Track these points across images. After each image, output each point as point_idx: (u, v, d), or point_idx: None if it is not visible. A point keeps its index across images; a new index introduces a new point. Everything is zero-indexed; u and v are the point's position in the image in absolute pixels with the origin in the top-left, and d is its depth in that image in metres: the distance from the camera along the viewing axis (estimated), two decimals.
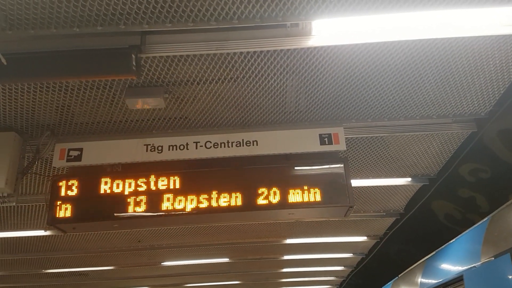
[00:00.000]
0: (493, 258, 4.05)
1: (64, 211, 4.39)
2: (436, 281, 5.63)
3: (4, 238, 7.69)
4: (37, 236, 7.61)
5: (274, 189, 4.41)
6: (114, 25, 3.28)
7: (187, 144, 4.62)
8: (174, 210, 4.40)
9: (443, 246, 5.87)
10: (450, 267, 5.30)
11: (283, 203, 4.39)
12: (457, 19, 3.28)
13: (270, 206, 4.39)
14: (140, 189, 4.46)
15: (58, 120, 4.54)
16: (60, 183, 4.48)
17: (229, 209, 4.40)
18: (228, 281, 13.19)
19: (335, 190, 4.45)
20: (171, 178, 4.48)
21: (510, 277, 3.62)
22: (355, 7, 3.18)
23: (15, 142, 4.49)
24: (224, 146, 4.59)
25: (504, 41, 3.70)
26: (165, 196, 4.43)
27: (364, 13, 3.22)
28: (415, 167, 6.05)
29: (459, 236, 5.39)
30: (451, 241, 5.60)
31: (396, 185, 6.54)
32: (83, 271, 10.36)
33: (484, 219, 4.65)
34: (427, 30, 3.36)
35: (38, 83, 3.93)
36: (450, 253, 5.46)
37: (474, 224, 4.99)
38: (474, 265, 4.44)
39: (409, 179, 6.31)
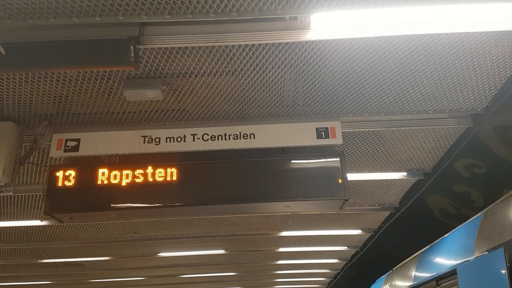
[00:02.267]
0: (486, 252, 4.09)
1: (61, 201, 4.40)
2: (430, 275, 5.69)
3: (1, 227, 7.69)
4: (33, 226, 7.63)
5: (271, 182, 4.44)
6: (112, 15, 3.27)
7: (184, 136, 4.63)
8: (171, 201, 4.42)
9: (437, 240, 5.92)
10: (444, 261, 5.35)
11: (279, 196, 4.42)
12: (454, 14, 3.29)
13: (267, 199, 4.42)
14: (137, 180, 4.48)
15: (55, 110, 4.54)
16: (57, 173, 4.49)
17: (226, 200, 4.43)
18: (223, 272, 13.26)
19: (331, 183, 4.48)
20: (168, 170, 4.50)
21: (503, 271, 3.66)
22: (354, 0, 3.19)
23: (13, 132, 4.49)
24: (222, 139, 4.61)
25: (501, 37, 3.72)
26: (162, 187, 4.45)
27: (363, 7, 3.22)
28: (410, 162, 6.09)
29: (453, 230, 5.44)
30: (445, 235, 5.65)
31: (391, 179, 6.58)
32: (79, 261, 10.39)
33: (478, 214, 4.69)
34: (425, 25, 3.37)
35: (36, 73, 3.92)
36: (444, 247, 5.51)
37: (468, 219, 5.04)
38: (467, 259, 4.48)
39: (405, 173, 6.34)
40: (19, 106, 4.42)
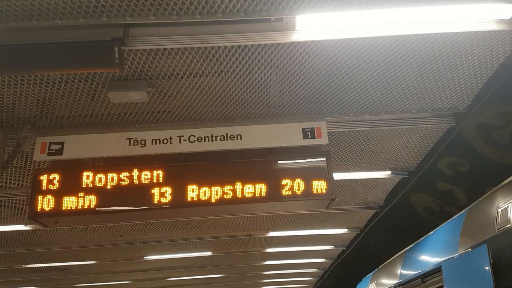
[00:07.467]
0: (470, 250, 4.15)
1: (46, 205, 4.34)
2: (415, 272, 5.74)
3: None
4: (17, 231, 7.50)
5: (259, 182, 4.44)
6: (96, 17, 3.25)
7: (170, 138, 4.61)
8: (156, 204, 4.39)
9: (422, 238, 5.99)
10: (429, 259, 5.41)
11: (267, 196, 4.42)
12: (436, 15, 3.35)
13: (254, 200, 4.41)
14: (122, 183, 4.44)
15: (39, 113, 4.48)
16: (41, 177, 4.43)
17: (213, 203, 4.41)
18: (210, 274, 13.21)
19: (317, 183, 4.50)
20: (155, 172, 4.47)
21: (486, 267, 3.71)
22: (338, 2, 3.22)
23: None
24: (208, 140, 4.60)
25: (483, 37, 3.78)
26: (147, 190, 4.42)
27: (347, 9, 3.26)
28: (395, 161, 6.15)
29: (437, 228, 5.50)
30: (430, 233, 5.71)
31: (376, 178, 6.64)
32: (64, 265, 10.25)
33: (462, 212, 4.76)
34: (407, 26, 3.43)
35: (18, 75, 3.87)
36: (429, 245, 5.57)
37: (452, 216, 5.10)
38: (452, 256, 4.54)
39: (389, 172, 6.41)
40: (2, 109, 4.35)
